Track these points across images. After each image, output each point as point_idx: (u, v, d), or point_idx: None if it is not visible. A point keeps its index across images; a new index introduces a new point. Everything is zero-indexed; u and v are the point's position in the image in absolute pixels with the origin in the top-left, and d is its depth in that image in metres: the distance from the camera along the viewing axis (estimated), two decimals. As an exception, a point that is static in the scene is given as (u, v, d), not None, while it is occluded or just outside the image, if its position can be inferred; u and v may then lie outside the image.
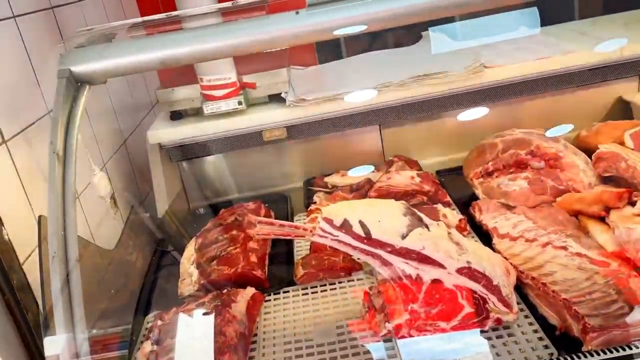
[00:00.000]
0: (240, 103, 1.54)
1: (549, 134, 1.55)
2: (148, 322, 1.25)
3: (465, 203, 1.52)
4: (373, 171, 1.64)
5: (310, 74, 1.86)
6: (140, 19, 1.15)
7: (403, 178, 1.53)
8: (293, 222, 1.63)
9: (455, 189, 1.61)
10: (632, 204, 1.19)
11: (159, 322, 1.18)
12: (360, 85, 1.71)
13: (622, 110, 1.83)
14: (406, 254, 1.01)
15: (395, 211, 1.06)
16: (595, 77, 1.75)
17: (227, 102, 1.55)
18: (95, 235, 1.31)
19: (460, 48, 1.58)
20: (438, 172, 1.74)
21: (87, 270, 0.92)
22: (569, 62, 1.63)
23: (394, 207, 1.07)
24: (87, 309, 0.91)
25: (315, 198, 1.67)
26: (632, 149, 1.44)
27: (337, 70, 1.89)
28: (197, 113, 1.68)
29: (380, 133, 1.85)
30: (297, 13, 1.00)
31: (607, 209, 1.22)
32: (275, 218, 1.64)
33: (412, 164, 1.74)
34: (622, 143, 1.47)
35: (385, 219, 1.03)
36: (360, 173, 1.64)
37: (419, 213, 1.09)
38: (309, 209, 1.05)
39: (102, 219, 1.36)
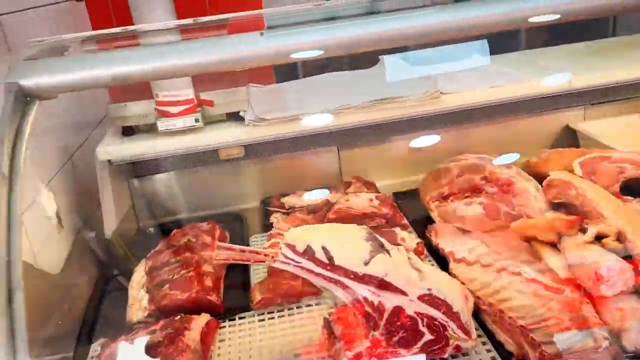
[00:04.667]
0: (197, 120, 1.50)
1: (499, 160, 1.59)
2: (95, 351, 1.18)
3: (421, 226, 1.53)
4: (329, 194, 1.62)
5: (269, 93, 1.84)
6: (95, 33, 1.10)
7: (362, 200, 1.53)
8: (249, 243, 1.60)
9: (411, 211, 1.62)
10: (583, 231, 1.23)
11: (105, 351, 1.11)
12: (319, 107, 1.71)
13: (569, 138, 1.91)
14: (369, 280, 1.00)
15: (357, 236, 1.05)
16: (544, 105, 1.83)
17: (184, 119, 1.51)
18: (38, 257, 1.22)
19: (414, 75, 1.62)
20: (394, 194, 1.75)
21: (29, 296, 0.85)
22: (520, 91, 1.69)
23: (356, 232, 1.06)
24: (29, 337, 0.85)
25: (272, 219, 1.64)
26: (581, 177, 1.50)
27: (296, 90, 1.88)
28: (151, 129, 1.62)
29: (339, 154, 1.85)
30: (261, 34, 0.98)
31: (559, 236, 1.26)
32: (231, 239, 1.59)
33: (370, 185, 1.75)
34: (571, 170, 1.53)
35: (348, 244, 1.02)
36: (317, 195, 1.62)
37: (380, 238, 1.09)
38: (269, 233, 1.02)
39: (46, 240, 1.27)
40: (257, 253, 0.98)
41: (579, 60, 1.99)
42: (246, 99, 1.63)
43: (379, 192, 1.70)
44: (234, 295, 1.33)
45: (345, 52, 1.12)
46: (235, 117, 1.63)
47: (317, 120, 1.66)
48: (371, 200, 1.52)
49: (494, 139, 1.84)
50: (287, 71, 2.17)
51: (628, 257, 1.13)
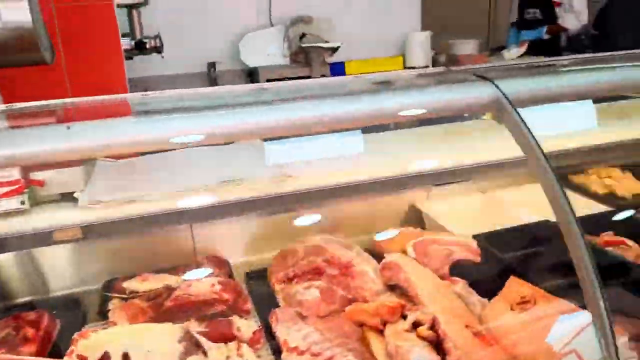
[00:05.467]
0: (22, 203, 1.40)
1: (346, 240, 1.65)
2: None
3: (270, 310, 1.52)
4: (173, 278, 1.57)
5: (119, 168, 1.78)
6: None
7: (204, 285, 1.49)
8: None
9: (261, 293, 1.60)
10: (405, 317, 1.28)
11: None
12: (170, 185, 1.68)
13: (415, 217, 2.03)
14: (174, 387, 0.95)
15: (169, 338, 1.01)
16: (390, 186, 1.93)
17: (8, 200, 1.40)
18: None
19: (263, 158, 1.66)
20: (248, 274, 1.74)
21: None
22: (366, 173, 1.78)
23: (169, 333, 1.02)
24: None
25: (110, 305, 1.54)
26: (415, 259, 1.58)
27: (146, 166, 1.83)
28: (-24, 211, 1.49)
29: (192, 232, 1.81)
30: (68, 128, 0.95)
31: (384, 322, 1.30)
32: (64, 327, 1.47)
33: (223, 264, 1.72)
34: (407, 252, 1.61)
35: (156, 348, 0.97)
36: (160, 279, 1.56)
37: (198, 337, 1.06)
38: (72, 338, 0.95)
39: None
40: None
41: (427, 143, 2.15)
42: (85, 178, 1.55)
43: (231, 272, 1.69)
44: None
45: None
46: (71, 197, 1.55)
47: (166, 200, 1.62)
48: (213, 285, 1.48)
49: (345, 219, 1.91)
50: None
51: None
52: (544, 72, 1.55)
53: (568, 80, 1.40)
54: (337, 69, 3.88)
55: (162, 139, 1.22)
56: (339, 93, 1.37)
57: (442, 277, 1.56)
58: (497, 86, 1.21)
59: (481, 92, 1.22)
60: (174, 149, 1.94)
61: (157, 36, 3.10)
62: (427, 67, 4.06)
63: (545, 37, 4.69)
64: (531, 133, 1.13)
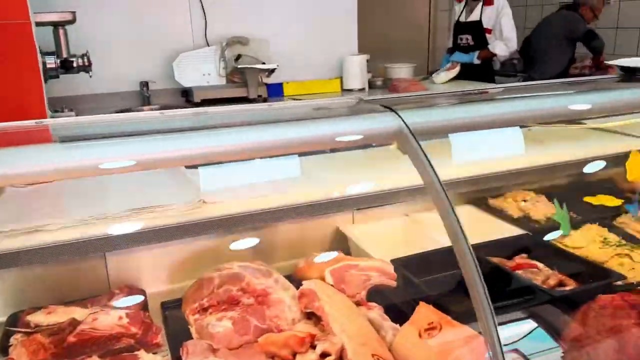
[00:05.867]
0: None
1: (269, 266, 1.63)
2: None
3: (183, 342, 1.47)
4: (82, 310, 1.50)
5: (26, 195, 1.70)
6: None
7: (110, 318, 1.43)
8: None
9: (177, 324, 1.56)
10: (315, 347, 1.27)
11: None
12: (78, 214, 1.61)
13: (341, 241, 2.04)
14: None
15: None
16: (316, 211, 1.93)
17: None
18: None
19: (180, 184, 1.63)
20: (163, 305, 1.68)
21: None
22: (284, 199, 1.77)
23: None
24: None
25: (12, 340, 1.46)
26: (332, 285, 1.58)
27: (57, 192, 1.76)
28: None
29: (105, 262, 1.74)
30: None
31: (294, 353, 1.29)
32: (-41, 366, 1.37)
33: (138, 294, 1.66)
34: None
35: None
36: (66, 312, 1.49)
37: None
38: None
39: None
40: None
41: (350, 168, 2.17)
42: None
43: (146, 303, 1.63)
44: None
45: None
46: (-32, 226, 1.46)
47: (75, 227, 1.56)
48: (120, 318, 1.43)
49: (269, 245, 1.89)
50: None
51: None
52: (452, 103, 1.60)
53: (475, 112, 1.45)
54: (275, 90, 3.89)
55: (78, 166, 1.17)
56: (248, 122, 1.36)
57: (359, 303, 1.57)
58: (400, 117, 1.24)
59: (386, 123, 1.25)
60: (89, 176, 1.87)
61: (85, 55, 3.01)
62: (363, 89, 4.13)
63: (477, 62, 4.88)
64: (429, 162, 1.15)
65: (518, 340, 1.37)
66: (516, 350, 1.36)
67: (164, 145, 1.27)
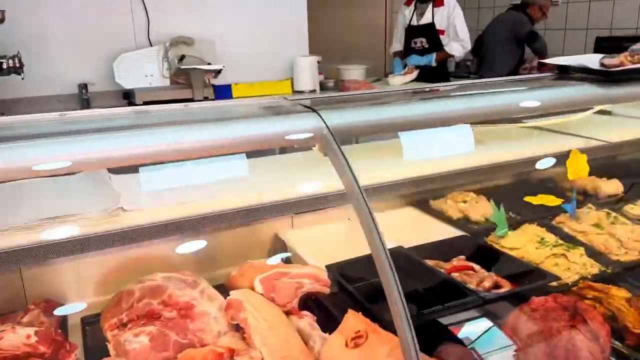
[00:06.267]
0: None
1: (191, 277, 1.54)
2: None
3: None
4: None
5: None
6: None
7: (18, 337, 1.32)
8: None
9: (97, 341, 1.45)
10: (235, 363, 1.20)
11: None
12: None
13: (279, 247, 1.96)
14: None
15: None
16: (250, 216, 1.86)
17: None
18: None
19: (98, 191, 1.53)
20: (83, 319, 1.58)
21: None
22: (213, 206, 1.69)
23: None
24: None
25: None
26: (262, 295, 1.51)
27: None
28: None
29: (21, 275, 1.62)
30: None
31: (212, 369, 1.21)
32: None
33: (55, 308, 1.55)
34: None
35: None
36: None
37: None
38: None
39: None
40: None
41: (287, 171, 2.10)
42: None
43: (65, 318, 1.52)
44: None
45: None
46: None
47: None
48: (29, 336, 1.32)
49: (203, 253, 1.80)
50: None
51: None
52: (386, 102, 1.55)
53: (404, 111, 1.40)
54: (223, 92, 3.79)
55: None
56: (164, 122, 1.28)
57: (290, 312, 1.50)
58: (321, 117, 1.18)
59: (306, 124, 1.19)
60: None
61: (16, 56, 2.86)
62: (314, 91, 4.08)
63: (434, 64, 4.89)
64: (349, 165, 1.10)
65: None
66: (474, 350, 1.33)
67: (71, 147, 1.17)
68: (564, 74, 1.88)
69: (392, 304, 1.01)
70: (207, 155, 1.31)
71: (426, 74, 4.79)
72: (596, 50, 5.06)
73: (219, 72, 3.48)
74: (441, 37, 4.99)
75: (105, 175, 1.73)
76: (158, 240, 1.69)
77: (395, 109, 1.40)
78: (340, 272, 1.66)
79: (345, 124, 1.23)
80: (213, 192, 1.72)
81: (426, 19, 4.97)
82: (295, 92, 4.08)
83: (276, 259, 1.86)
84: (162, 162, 1.35)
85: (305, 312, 1.50)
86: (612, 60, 1.68)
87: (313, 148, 1.42)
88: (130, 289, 1.49)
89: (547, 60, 1.94)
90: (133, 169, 1.37)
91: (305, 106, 1.24)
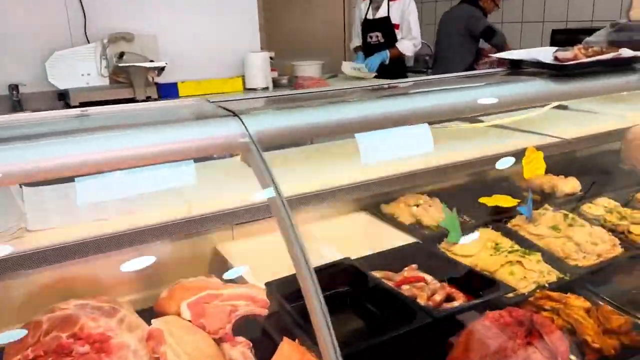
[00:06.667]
0: None
1: (109, 303, 1.37)
2: None
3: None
4: None
5: None
6: None
7: None
8: None
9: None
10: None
11: None
12: None
13: (220, 261, 1.80)
14: None
15: None
16: (181, 228, 1.69)
17: None
18: None
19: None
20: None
21: None
22: (160, 218, 1.52)
23: None
24: None
25: None
26: (190, 321, 1.35)
27: None
28: None
29: None
30: None
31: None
32: None
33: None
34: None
35: None
36: None
37: None
38: None
39: None
40: None
41: (220, 180, 1.94)
42: None
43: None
44: None
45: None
46: None
47: None
48: None
49: (132, 272, 1.62)
50: None
51: None
52: (326, 102, 1.41)
53: (339, 113, 1.26)
54: (169, 90, 3.58)
55: None
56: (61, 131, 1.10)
57: (222, 339, 1.34)
58: (243, 123, 1.03)
59: (225, 131, 1.03)
60: None
61: None
62: (267, 88, 3.91)
63: (387, 62, 4.77)
64: (270, 174, 0.95)
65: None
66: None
67: None
68: (517, 68, 1.77)
69: (319, 338, 0.87)
70: (116, 168, 1.14)
71: (383, 70, 4.68)
72: (552, 43, 5.04)
73: (162, 69, 3.27)
74: (396, 31, 4.88)
75: (14, 189, 1.54)
76: (77, 260, 1.51)
77: (332, 111, 1.25)
78: (281, 289, 1.51)
79: (272, 129, 1.08)
80: (133, 205, 1.55)
81: (382, 12, 4.86)
82: (246, 89, 3.90)
83: (209, 278, 1.70)
84: (71, 176, 1.17)
85: (240, 339, 1.35)
86: (566, 54, 1.59)
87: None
88: (38, 320, 1.30)
89: (499, 55, 1.84)
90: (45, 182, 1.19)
91: (227, 109, 1.08)
